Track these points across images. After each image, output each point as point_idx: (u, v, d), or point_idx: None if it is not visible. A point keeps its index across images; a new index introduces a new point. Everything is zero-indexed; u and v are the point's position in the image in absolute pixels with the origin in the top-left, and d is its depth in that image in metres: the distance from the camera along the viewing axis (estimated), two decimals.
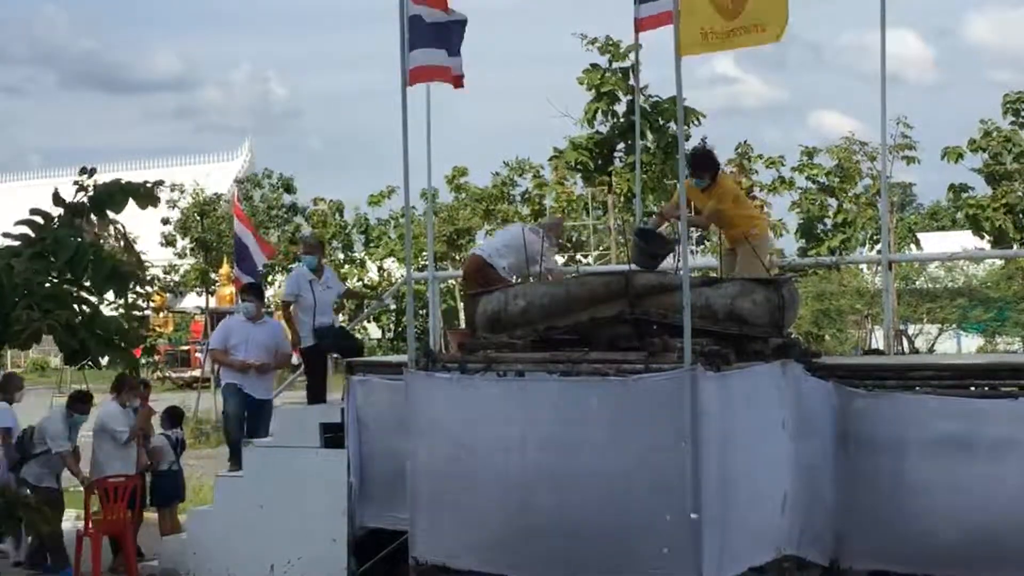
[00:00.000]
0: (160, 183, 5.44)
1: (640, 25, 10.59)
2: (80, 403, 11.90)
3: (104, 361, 5.18)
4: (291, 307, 11.16)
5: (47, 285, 4.98)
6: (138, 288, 5.25)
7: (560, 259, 10.98)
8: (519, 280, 10.27)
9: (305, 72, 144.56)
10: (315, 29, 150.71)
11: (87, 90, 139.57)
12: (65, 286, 5.03)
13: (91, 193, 5.18)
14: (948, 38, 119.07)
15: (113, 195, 5.16)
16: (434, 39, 8.62)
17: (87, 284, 5.03)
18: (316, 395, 10.83)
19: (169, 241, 31.73)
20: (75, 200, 5.15)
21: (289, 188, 40.36)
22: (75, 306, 5.01)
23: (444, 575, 7.96)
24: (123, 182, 5.26)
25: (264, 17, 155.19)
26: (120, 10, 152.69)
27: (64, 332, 4.83)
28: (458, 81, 8.92)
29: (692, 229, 9.83)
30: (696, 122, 21.21)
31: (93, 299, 5.10)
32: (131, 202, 5.25)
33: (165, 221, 30.93)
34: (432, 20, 8.58)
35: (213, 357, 12.31)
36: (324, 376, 11.12)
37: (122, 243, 5.34)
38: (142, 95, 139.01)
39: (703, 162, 9.79)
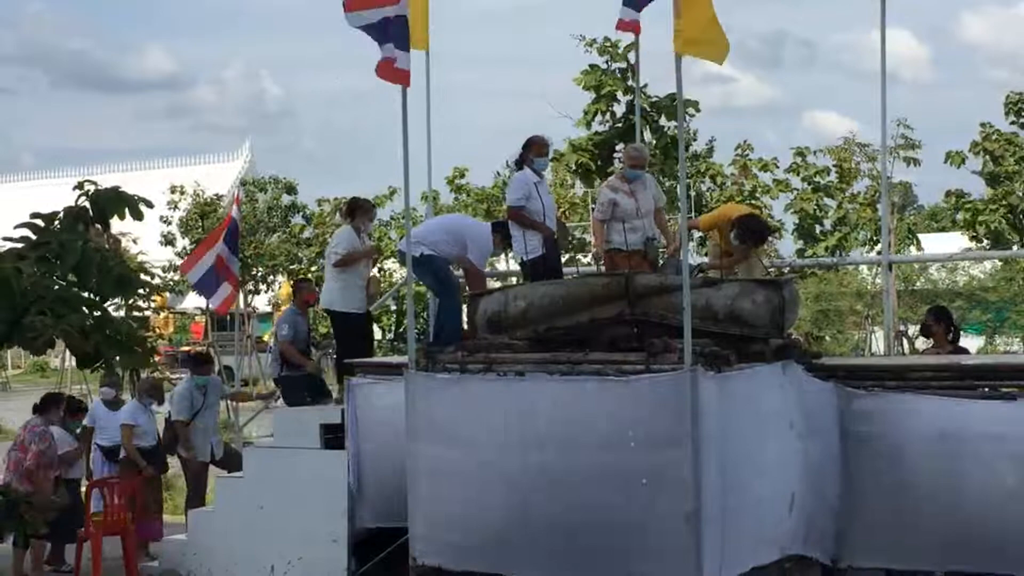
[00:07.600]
0: (150, 205, 5.44)
1: (619, 25, 10.59)
2: (202, 365, 12.49)
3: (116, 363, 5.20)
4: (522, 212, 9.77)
5: (55, 289, 5.00)
6: (141, 293, 5.28)
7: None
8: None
9: (302, 72, 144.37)
10: (312, 29, 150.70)
11: (80, 90, 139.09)
12: (75, 290, 5.05)
13: (92, 198, 5.18)
14: (943, 37, 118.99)
15: (113, 201, 5.17)
16: (394, 36, 7.87)
17: (93, 289, 5.04)
18: None
19: (168, 240, 31.76)
20: (77, 204, 5.16)
21: (292, 190, 40.61)
22: (84, 310, 5.03)
23: None
24: (121, 191, 5.28)
25: (259, 17, 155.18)
26: (113, 9, 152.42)
27: (77, 337, 4.85)
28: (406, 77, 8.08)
29: (692, 232, 9.84)
30: (694, 112, 21.21)
31: (101, 303, 5.11)
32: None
33: (166, 221, 30.97)
34: (380, 17, 7.82)
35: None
36: None
37: (113, 250, 5.36)
38: (136, 95, 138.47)
39: (758, 232, 10.02)
